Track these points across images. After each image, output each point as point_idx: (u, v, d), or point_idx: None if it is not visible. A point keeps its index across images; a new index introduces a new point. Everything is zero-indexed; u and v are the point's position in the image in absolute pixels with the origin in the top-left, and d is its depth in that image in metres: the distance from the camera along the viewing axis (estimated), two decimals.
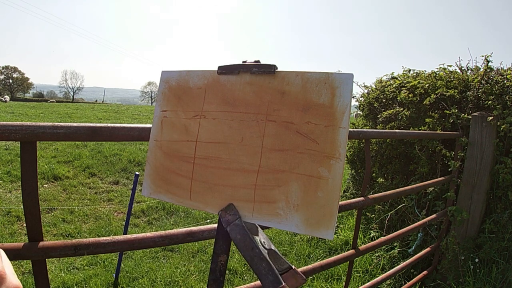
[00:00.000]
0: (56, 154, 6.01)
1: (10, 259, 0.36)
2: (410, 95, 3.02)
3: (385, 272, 2.52)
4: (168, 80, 0.69)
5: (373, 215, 3.47)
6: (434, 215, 2.48)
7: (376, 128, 3.49)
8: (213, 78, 0.64)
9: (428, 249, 2.52)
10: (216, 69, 0.64)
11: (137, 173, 2.80)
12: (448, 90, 2.81)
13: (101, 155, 6.18)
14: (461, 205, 2.53)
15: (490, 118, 2.39)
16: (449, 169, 2.58)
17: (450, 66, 3.21)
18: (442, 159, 2.78)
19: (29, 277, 2.58)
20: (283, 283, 0.51)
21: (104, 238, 0.95)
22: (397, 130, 2.67)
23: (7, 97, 21.59)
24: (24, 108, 13.00)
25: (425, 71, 3.40)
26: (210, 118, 0.63)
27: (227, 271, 2.77)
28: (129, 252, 3.07)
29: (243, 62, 0.63)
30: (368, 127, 3.79)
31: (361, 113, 4.03)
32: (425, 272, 2.58)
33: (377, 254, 3.01)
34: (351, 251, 1.74)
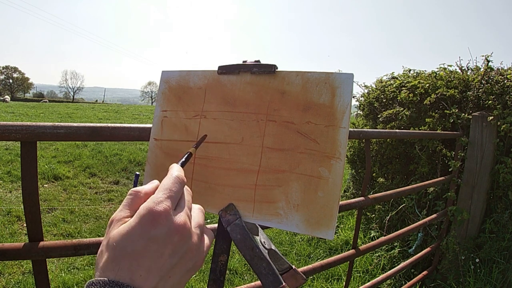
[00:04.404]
0: (56, 154, 6.01)
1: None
2: (411, 95, 3.02)
3: (385, 272, 2.52)
4: (168, 80, 0.69)
5: (374, 215, 3.47)
6: (434, 215, 2.48)
7: (377, 128, 3.48)
8: (213, 78, 0.64)
9: (428, 249, 2.52)
10: (216, 69, 0.64)
11: (137, 173, 2.79)
12: (449, 90, 2.81)
13: (101, 155, 6.18)
14: (462, 205, 2.53)
15: (491, 118, 2.39)
16: (450, 169, 2.58)
17: (450, 66, 3.21)
18: (442, 159, 2.78)
19: (29, 277, 2.58)
20: (284, 283, 0.51)
21: None
22: (397, 130, 2.67)
23: (8, 97, 21.61)
24: (25, 108, 13.01)
25: (425, 71, 3.40)
26: (210, 118, 0.63)
27: (227, 271, 2.77)
28: None
29: (243, 62, 0.63)
30: (368, 127, 3.78)
31: (361, 113, 4.02)
32: (425, 272, 2.58)
33: (377, 254, 3.01)
34: (351, 251, 1.74)
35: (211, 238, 0.40)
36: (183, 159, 0.48)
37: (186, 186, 0.41)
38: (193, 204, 0.41)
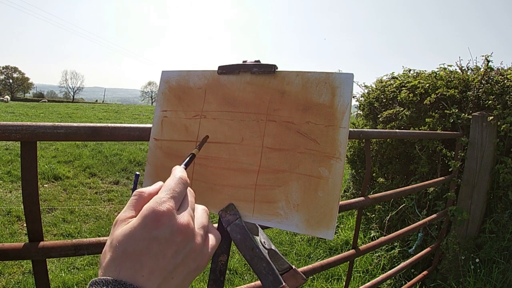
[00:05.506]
0: (56, 154, 6.02)
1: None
2: (411, 95, 3.02)
3: (385, 272, 2.52)
4: (168, 80, 0.69)
5: (374, 215, 3.47)
6: (434, 215, 2.48)
7: (377, 128, 3.48)
8: (213, 78, 0.64)
9: (428, 249, 2.52)
10: (216, 69, 0.64)
11: (137, 173, 2.80)
12: (449, 90, 2.81)
13: (101, 155, 6.18)
14: (462, 205, 2.53)
15: (491, 118, 2.39)
16: (450, 169, 2.58)
17: (451, 66, 3.21)
18: (442, 159, 2.78)
19: (29, 277, 2.58)
20: (284, 283, 0.51)
21: (105, 238, 0.95)
22: (397, 130, 2.66)
23: (8, 97, 21.61)
24: (25, 108, 13.01)
25: (425, 71, 3.40)
26: (210, 118, 0.63)
27: (227, 271, 2.76)
28: None
29: (243, 62, 0.63)
30: (368, 127, 3.78)
31: (361, 113, 4.03)
32: (425, 272, 2.58)
33: (377, 254, 3.01)
34: (351, 251, 1.74)
35: (217, 239, 0.40)
36: (186, 160, 0.48)
37: (189, 188, 0.40)
38: (197, 205, 0.41)
